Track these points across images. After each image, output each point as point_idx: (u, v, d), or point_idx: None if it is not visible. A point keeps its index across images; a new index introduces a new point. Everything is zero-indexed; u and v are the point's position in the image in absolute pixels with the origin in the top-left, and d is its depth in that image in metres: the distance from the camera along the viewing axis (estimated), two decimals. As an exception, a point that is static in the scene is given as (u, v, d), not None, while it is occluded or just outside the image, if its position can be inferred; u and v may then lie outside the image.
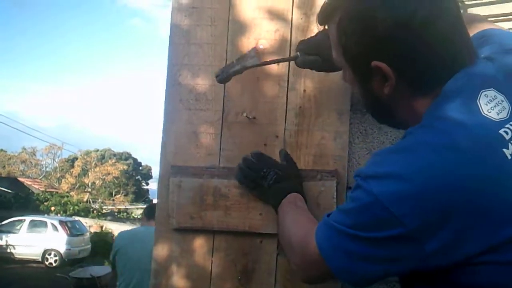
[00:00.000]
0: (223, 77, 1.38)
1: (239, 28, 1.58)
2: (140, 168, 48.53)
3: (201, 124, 1.57)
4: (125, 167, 41.79)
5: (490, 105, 0.90)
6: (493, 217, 0.84)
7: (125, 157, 46.16)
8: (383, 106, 1.04)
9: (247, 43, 1.56)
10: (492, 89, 0.92)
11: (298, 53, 1.40)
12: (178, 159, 1.57)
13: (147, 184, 48.66)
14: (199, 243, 1.54)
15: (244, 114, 1.54)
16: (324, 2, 1.07)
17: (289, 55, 1.55)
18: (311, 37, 1.42)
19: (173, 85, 1.59)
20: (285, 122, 1.54)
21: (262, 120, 1.54)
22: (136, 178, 46.76)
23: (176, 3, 1.61)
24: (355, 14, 0.96)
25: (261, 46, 1.55)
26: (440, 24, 0.91)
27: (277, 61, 1.49)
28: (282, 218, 1.30)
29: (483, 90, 0.92)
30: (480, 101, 0.91)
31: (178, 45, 1.60)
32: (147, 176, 49.16)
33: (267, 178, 1.40)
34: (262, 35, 1.56)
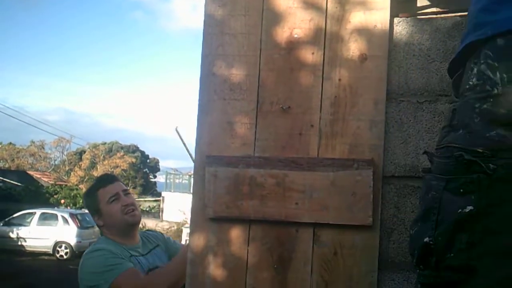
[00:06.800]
0: None
1: (273, 17, 1.57)
2: (148, 160, 48.61)
3: (236, 114, 1.57)
4: (133, 159, 41.88)
5: None
6: None
7: (132, 149, 46.25)
8: None
9: (281, 33, 1.56)
10: None
11: None
12: (212, 149, 1.57)
13: (155, 176, 48.78)
14: (235, 233, 1.55)
15: (281, 106, 1.54)
16: None
17: (324, 44, 1.54)
18: None
19: (207, 76, 1.59)
20: (320, 111, 1.53)
21: (297, 110, 1.54)
22: (144, 170, 46.87)
23: (209, -7, 1.61)
24: None
25: (295, 36, 1.55)
26: None
27: None
28: None
29: None
30: None
31: (212, 36, 1.60)
32: (155, 168, 49.29)
33: None
34: (296, 24, 1.55)
